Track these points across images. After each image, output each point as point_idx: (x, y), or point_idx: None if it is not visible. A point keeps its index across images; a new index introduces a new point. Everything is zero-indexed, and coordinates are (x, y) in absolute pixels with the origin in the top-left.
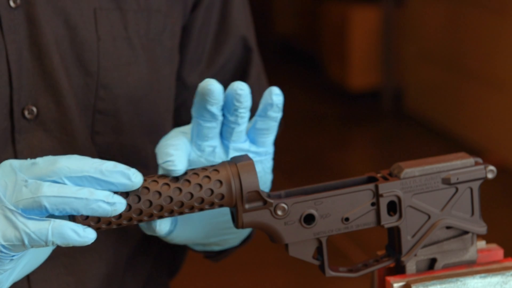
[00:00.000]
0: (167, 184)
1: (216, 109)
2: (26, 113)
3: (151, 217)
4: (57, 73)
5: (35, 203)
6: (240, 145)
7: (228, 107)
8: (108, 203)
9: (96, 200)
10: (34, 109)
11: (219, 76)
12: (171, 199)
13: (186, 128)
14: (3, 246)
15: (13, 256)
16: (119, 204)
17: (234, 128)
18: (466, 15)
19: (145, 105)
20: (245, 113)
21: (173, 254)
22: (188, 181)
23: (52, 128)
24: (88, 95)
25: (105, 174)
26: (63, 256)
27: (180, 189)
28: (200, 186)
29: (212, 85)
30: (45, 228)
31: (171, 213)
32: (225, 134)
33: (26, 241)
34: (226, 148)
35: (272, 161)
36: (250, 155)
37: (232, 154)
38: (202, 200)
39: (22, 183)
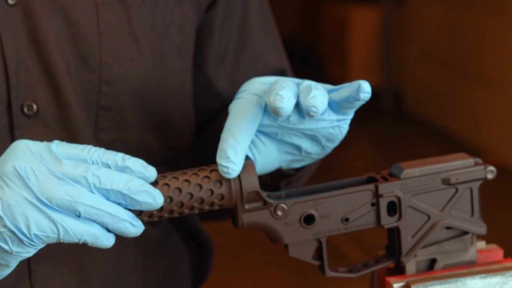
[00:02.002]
0: (167, 184)
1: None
2: (25, 109)
3: (151, 217)
4: (57, 69)
5: (71, 206)
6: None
7: (302, 109)
8: (133, 225)
9: (125, 221)
10: (34, 105)
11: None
12: (171, 199)
13: (262, 90)
14: (36, 236)
15: (39, 246)
16: (140, 229)
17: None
18: (466, 15)
19: (151, 101)
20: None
21: (197, 262)
22: (188, 181)
23: (52, 125)
24: (91, 91)
25: (132, 192)
26: (66, 254)
27: (180, 190)
28: (200, 186)
29: (281, 109)
30: (82, 227)
31: (171, 213)
32: (301, 108)
33: (61, 235)
34: (301, 117)
35: (349, 121)
36: (326, 123)
37: (309, 122)
38: (202, 201)
39: (55, 180)
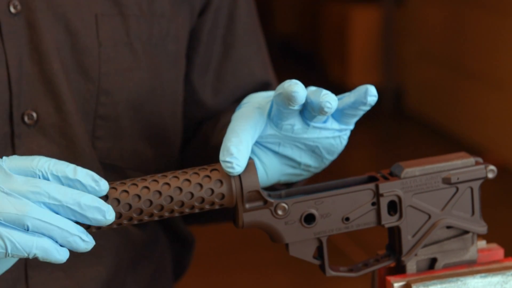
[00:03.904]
0: (168, 184)
1: (298, 106)
2: (26, 118)
3: (152, 216)
4: (57, 78)
5: (19, 220)
6: (321, 124)
7: (314, 107)
8: (83, 240)
9: (75, 235)
10: (34, 114)
11: (237, 94)
12: (172, 198)
13: (265, 101)
14: None
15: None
16: (91, 244)
17: (317, 116)
18: (466, 15)
19: (146, 110)
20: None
21: (177, 257)
22: (189, 180)
23: (52, 134)
24: (89, 100)
25: (82, 208)
26: None
27: (180, 189)
28: (201, 185)
29: (296, 93)
30: (31, 241)
31: (171, 212)
32: (306, 115)
33: (9, 250)
34: (305, 125)
35: (349, 133)
36: (328, 132)
37: (312, 131)
38: (203, 200)
39: (3, 195)
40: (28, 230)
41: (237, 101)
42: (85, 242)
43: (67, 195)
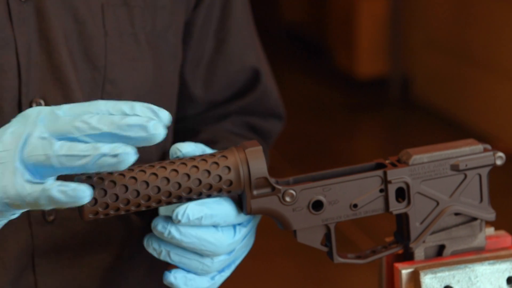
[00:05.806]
0: (175, 170)
1: None
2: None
3: (160, 203)
4: (66, 67)
5: (46, 160)
6: None
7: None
8: (112, 155)
9: (100, 155)
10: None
11: (227, 91)
12: (179, 185)
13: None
14: (6, 204)
15: (13, 213)
16: (125, 155)
17: None
18: (474, 3)
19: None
20: None
21: None
22: (197, 167)
23: None
24: (95, 89)
25: (123, 129)
26: (68, 248)
27: (188, 175)
28: (209, 172)
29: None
30: (36, 191)
31: (179, 199)
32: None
33: (25, 202)
34: None
35: None
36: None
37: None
38: (210, 187)
39: (38, 139)
40: (57, 169)
41: (227, 94)
42: (115, 155)
43: (108, 121)
